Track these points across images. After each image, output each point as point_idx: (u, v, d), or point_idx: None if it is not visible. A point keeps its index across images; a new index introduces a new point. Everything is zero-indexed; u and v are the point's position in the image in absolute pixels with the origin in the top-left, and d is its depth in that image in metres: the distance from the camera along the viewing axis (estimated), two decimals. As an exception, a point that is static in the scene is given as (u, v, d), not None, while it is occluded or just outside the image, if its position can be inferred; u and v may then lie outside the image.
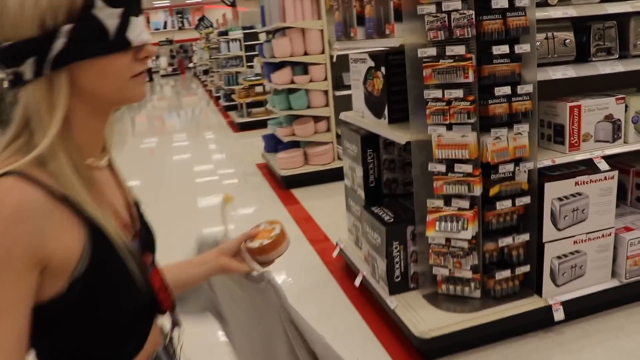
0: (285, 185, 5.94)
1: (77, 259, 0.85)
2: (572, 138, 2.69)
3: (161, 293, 1.03)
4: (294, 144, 6.20)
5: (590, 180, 2.68)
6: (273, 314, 1.16)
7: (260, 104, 10.64)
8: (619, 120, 2.77)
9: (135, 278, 0.94)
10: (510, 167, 2.53)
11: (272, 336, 1.19)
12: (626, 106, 2.78)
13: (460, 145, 2.46)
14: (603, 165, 2.70)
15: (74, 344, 0.91)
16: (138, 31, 0.91)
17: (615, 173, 2.73)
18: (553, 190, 2.64)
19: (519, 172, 2.59)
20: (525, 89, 2.45)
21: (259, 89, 10.44)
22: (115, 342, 0.95)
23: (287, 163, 5.93)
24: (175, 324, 1.14)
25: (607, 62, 2.74)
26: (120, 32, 0.88)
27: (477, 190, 2.51)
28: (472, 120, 2.42)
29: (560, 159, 2.67)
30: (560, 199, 2.66)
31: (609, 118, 2.75)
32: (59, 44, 0.84)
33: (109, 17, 0.86)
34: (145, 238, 1.05)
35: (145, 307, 1.00)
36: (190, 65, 30.06)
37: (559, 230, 2.71)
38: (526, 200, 2.62)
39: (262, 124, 9.29)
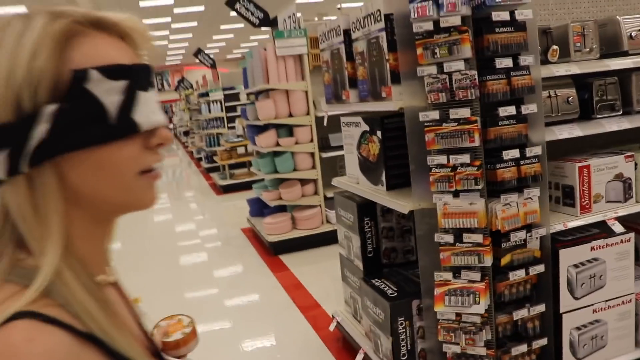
0: (273, 251, 5.70)
1: None
2: (582, 200, 2.54)
3: None
4: (281, 208, 6.01)
5: (607, 244, 2.51)
6: None
7: (243, 165, 10.50)
8: (630, 178, 2.63)
9: None
10: (522, 234, 2.35)
11: None
12: (635, 164, 2.64)
13: (468, 213, 2.28)
14: (618, 227, 2.54)
15: None
16: (148, 110, 0.70)
17: (632, 235, 2.57)
18: (568, 256, 2.46)
19: (530, 239, 2.41)
20: (534, 151, 2.30)
21: (241, 150, 10.34)
22: None
23: (275, 229, 5.71)
24: None
25: (613, 118, 2.62)
26: (124, 113, 0.67)
27: (488, 261, 2.32)
28: (479, 187, 2.25)
29: (573, 223, 2.51)
30: (576, 266, 2.48)
31: (619, 177, 2.61)
32: (40, 130, 0.63)
33: (108, 93, 0.66)
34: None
35: None
36: (170, 126, 30.09)
37: (577, 299, 2.51)
38: (540, 268, 2.43)
39: (245, 186, 9.13)
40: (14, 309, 0.60)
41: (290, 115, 5.53)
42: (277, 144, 5.57)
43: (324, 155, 5.58)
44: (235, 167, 10.65)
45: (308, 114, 5.52)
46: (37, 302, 0.62)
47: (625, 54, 2.65)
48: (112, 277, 0.78)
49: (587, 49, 2.61)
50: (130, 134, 0.68)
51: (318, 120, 5.37)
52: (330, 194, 5.33)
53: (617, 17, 2.67)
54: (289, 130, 5.62)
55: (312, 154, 5.64)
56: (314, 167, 5.66)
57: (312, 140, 5.58)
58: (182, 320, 1.17)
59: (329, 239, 5.38)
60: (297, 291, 4.74)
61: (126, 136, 0.67)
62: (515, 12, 2.23)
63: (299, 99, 5.47)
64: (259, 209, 6.38)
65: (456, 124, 2.21)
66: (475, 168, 2.24)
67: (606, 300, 2.56)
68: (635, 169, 2.65)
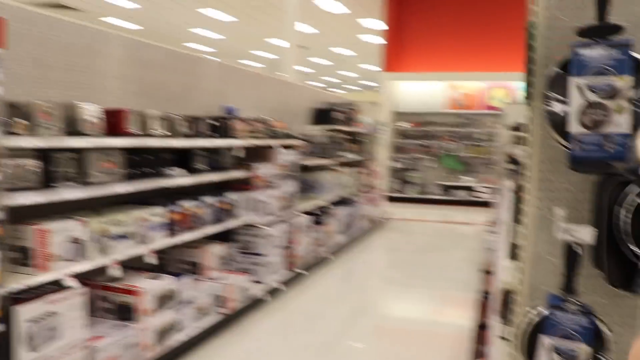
0: None
1: None
2: (39, 260, 2.82)
3: None
4: None
5: (62, 298, 2.85)
6: None
7: None
8: (83, 240, 3.06)
9: None
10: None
11: None
12: (87, 228, 3.10)
13: None
14: (71, 282, 2.92)
15: None
16: None
17: (85, 290, 2.98)
18: (26, 312, 2.68)
19: (-11, 301, 2.53)
20: (-6, 215, 2.46)
21: None
22: None
23: None
24: None
25: (70, 188, 3.02)
26: None
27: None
28: None
29: (30, 281, 2.74)
30: (34, 321, 2.71)
31: (73, 239, 3.01)
32: None
33: None
34: None
35: None
36: None
37: (36, 351, 2.73)
38: (1, 327, 2.56)
39: None
40: None
41: None
42: None
43: None
44: None
45: None
46: None
47: (82, 134, 3.13)
48: None
49: (51, 126, 2.96)
50: None
51: None
52: None
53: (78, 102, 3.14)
54: None
55: None
56: None
57: None
58: None
59: None
60: None
61: None
62: None
63: None
64: None
65: None
66: None
67: (61, 348, 2.87)
68: (88, 232, 3.10)
